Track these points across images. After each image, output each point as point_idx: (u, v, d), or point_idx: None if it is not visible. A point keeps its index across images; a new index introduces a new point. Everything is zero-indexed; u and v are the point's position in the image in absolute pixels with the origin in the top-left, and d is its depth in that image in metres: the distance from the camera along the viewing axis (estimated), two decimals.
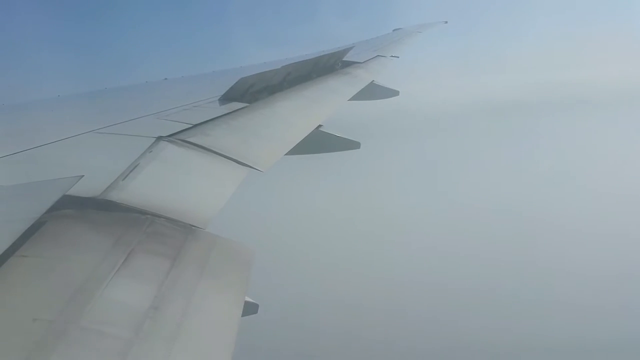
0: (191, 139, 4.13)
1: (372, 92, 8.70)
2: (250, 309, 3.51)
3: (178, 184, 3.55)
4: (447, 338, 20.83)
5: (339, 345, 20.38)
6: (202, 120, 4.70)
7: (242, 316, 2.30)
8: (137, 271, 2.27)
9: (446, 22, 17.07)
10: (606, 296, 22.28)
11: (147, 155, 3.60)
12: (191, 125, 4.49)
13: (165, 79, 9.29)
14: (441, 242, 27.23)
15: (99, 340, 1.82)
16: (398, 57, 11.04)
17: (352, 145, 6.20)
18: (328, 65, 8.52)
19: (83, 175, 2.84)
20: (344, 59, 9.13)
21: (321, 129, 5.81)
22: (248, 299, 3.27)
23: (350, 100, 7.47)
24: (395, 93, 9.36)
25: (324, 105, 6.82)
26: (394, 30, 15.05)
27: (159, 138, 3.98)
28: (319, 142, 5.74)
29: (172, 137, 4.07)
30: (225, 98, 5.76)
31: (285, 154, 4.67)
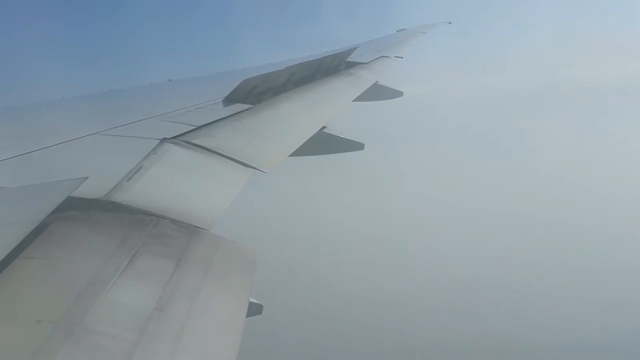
0: (195, 141, 4.14)
1: (376, 93, 8.69)
2: (254, 309, 3.51)
3: (182, 185, 3.55)
4: (448, 338, 20.76)
5: (342, 345, 20.36)
6: (206, 122, 4.71)
7: (246, 317, 2.30)
8: (142, 272, 2.27)
9: (450, 23, 17.04)
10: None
11: (152, 156, 3.61)
12: (195, 127, 4.50)
13: (170, 80, 9.32)
14: (444, 242, 27.17)
15: (103, 341, 1.83)
16: (402, 57, 11.01)
17: (356, 146, 6.19)
18: (332, 66, 8.51)
19: (88, 177, 2.85)
20: (347, 60, 9.12)
21: (325, 130, 5.80)
22: (252, 299, 3.28)
23: (354, 101, 7.47)
24: (399, 94, 9.34)
25: (327, 106, 6.81)
26: (397, 31, 15.04)
27: (163, 140, 3.99)
28: (323, 143, 5.74)
29: (176, 139, 4.08)
30: (229, 99, 5.76)
31: (290, 155, 4.67)
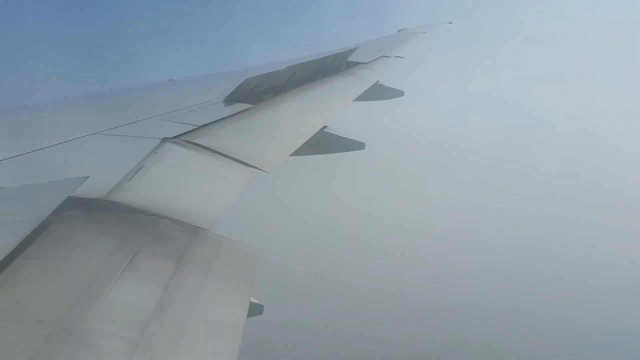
0: (196, 140, 4.13)
1: (377, 92, 8.68)
2: (255, 310, 3.51)
3: (183, 185, 3.55)
4: (449, 339, 20.76)
5: (343, 346, 20.36)
6: (207, 122, 4.71)
7: (247, 317, 2.29)
8: (143, 272, 2.27)
9: (450, 23, 17.03)
10: None
11: (153, 156, 3.61)
12: (196, 127, 4.49)
13: (171, 80, 9.31)
14: (445, 242, 27.16)
15: (104, 341, 1.82)
16: (403, 57, 11.00)
17: (357, 145, 6.18)
18: (333, 66, 8.51)
19: (88, 177, 2.85)
20: (348, 60, 9.11)
21: (326, 129, 5.80)
22: (253, 300, 3.27)
23: (355, 100, 7.47)
24: (400, 93, 9.34)
25: (328, 105, 6.81)
26: (398, 31, 15.03)
27: (164, 139, 3.99)
28: (323, 143, 5.74)
29: (177, 139, 4.08)
30: (230, 99, 5.76)
31: (290, 155, 4.67)
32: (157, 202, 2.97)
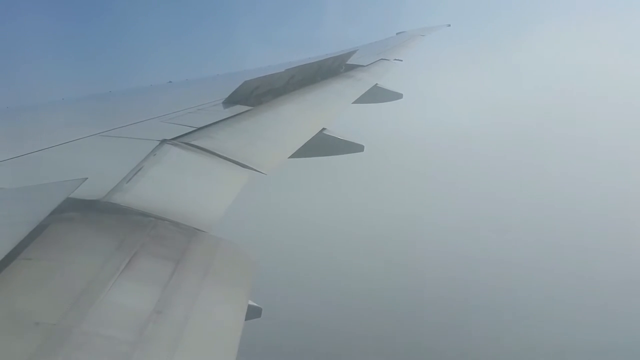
0: (195, 142, 4.13)
1: (376, 95, 8.70)
2: (253, 312, 3.50)
3: (182, 187, 3.54)
4: (447, 339, 20.75)
5: (342, 348, 20.33)
6: (206, 124, 4.71)
7: (245, 320, 2.29)
8: (141, 274, 2.26)
9: (449, 25, 17.09)
10: None
11: (151, 158, 3.61)
12: (195, 128, 4.49)
13: (170, 82, 9.32)
14: (444, 244, 27.17)
15: (102, 343, 1.82)
16: (401, 60, 11.04)
17: (356, 148, 6.19)
18: (332, 69, 8.52)
19: (87, 178, 2.85)
20: (347, 62, 9.13)
21: (325, 131, 5.80)
22: (251, 302, 3.26)
23: (353, 103, 7.48)
24: (398, 96, 9.36)
25: (327, 108, 6.83)
26: (397, 34, 15.08)
27: (163, 141, 3.98)
28: (322, 145, 5.74)
29: (176, 140, 4.08)
30: (229, 101, 5.77)
31: (289, 157, 4.67)
32: (156, 203, 2.97)
